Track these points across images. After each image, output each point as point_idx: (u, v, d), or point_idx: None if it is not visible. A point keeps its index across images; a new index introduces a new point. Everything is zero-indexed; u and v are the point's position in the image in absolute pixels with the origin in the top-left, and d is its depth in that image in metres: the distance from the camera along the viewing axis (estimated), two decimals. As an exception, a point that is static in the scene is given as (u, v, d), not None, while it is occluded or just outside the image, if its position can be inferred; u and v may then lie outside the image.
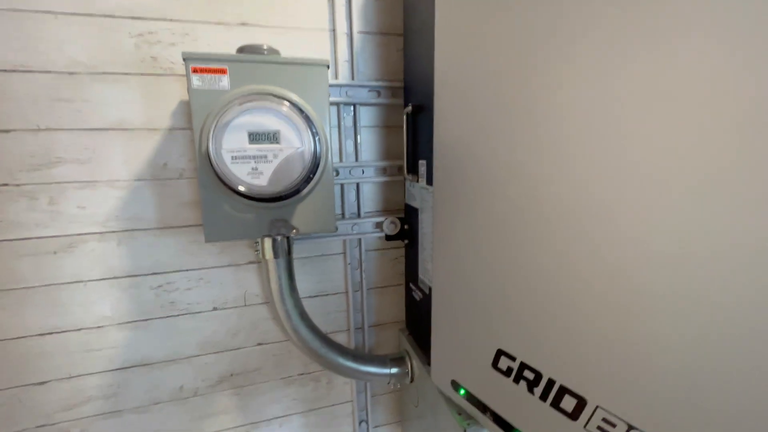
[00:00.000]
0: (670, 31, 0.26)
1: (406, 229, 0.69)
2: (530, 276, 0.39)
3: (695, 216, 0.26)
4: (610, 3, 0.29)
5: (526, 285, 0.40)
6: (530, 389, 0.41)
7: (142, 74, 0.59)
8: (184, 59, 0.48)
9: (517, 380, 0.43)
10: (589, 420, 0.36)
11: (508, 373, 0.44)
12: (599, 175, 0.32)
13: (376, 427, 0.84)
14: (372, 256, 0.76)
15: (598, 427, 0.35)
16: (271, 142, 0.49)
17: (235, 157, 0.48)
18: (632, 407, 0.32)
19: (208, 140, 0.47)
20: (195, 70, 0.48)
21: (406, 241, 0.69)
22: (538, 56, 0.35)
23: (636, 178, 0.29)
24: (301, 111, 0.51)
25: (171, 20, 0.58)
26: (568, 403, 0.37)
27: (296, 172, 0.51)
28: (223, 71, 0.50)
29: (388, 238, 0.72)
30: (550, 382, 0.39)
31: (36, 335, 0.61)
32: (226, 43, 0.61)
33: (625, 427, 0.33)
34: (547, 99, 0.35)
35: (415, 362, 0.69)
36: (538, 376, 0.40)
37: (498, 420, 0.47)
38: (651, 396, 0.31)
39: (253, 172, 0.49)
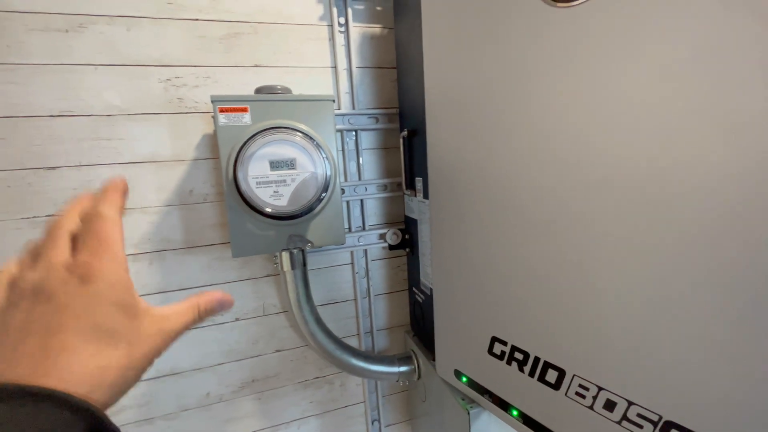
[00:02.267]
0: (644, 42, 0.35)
1: (407, 239, 0.76)
2: (514, 270, 0.47)
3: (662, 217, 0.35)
4: (584, 35, 0.38)
5: (511, 278, 0.48)
6: (520, 368, 0.48)
7: (169, 113, 0.67)
8: (212, 101, 0.57)
9: (509, 362, 0.50)
10: (568, 387, 0.43)
11: (501, 356, 0.51)
12: (565, 178, 0.40)
13: (387, 425, 0.89)
14: (377, 265, 0.83)
15: (576, 393, 0.42)
16: (289, 168, 0.57)
17: (259, 183, 0.56)
18: (601, 373, 0.40)
19: (236, 169, 0.55)
20: (222, 110, 0.57)
21: (408, 250, 0.77)
22: (512, 87, 0.44)
23: (602, 183, 0.38)
24: (312, 140, 0.59)
25: (195, 66, 0.67)
26: (551, 375, 0.45)
27: (311, 193, 0.59)
28: (245, 110, 0.58)
29: (391, 247, 0.80)
30: (536, 360, 0.46)
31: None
32: (244, 83, 0.69)
33: (596, 389, 0.40)
34: (518, 124, 0.44)
35: (421, 360, 0.76)
36: (526, 356, 0.47)
37: (496, 400, 0.54)
38: (614, 362, 0.38)
39: (275, 195, 0.57)
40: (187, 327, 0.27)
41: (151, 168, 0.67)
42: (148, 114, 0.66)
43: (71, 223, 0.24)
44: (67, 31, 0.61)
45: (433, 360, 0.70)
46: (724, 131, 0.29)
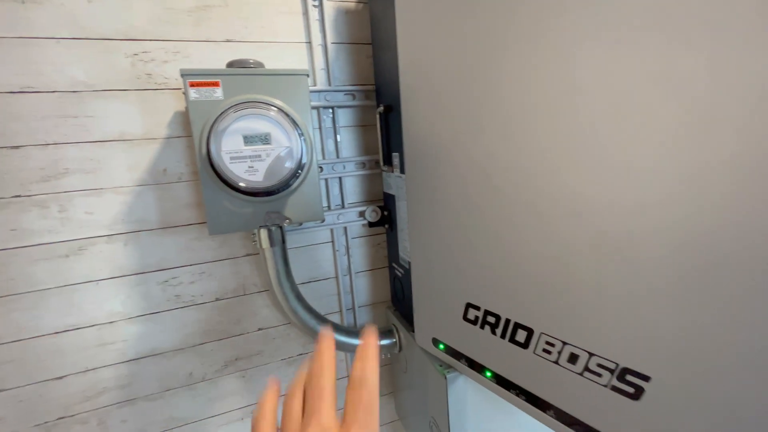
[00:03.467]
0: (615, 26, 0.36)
1: (386, 215, 0.77)
2: (485, 239, 0.49)
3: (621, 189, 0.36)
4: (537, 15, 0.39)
5: (482, 247, 0.49)
6: (493, 331, 0.51)
7: (138, 90, 0.65)
8: (182, 75, 0.55)
9: (482, 326, 0.52)
10: (536, 345, 0.45)
11: (475, 321, 0.53)
12: (532, 151, 0.41)
13: (371, 398, 0.92)
14: (357, 243, 0.84)
15: (543, 349, 0.44)
16: (264, 143, 0.57)
17: (233, 158, 0.56)
18: (565, 329, 0.42)
19: (208, 144, 0.54)
20: (192, 84, 0.56)
21: (387, 226, 0.78)
22: (484, 62, 0.45)
23: (560, 147, 0.39)
24: (286, 115, 0.59)
25: (163, 40, 0.65)
26: (521, 335, 0.47)
27: (286, 168, 0.59)
28: (216, 84, 0.57)
29: (371, 225, 0.81)
30: (507, 322, 0.48)
31: (53, 333, 0.66)
32: (215, 58, 0.68)
33: (561, 345, 0.42)
34: (489, 98, 0.45)
35: (402, 333, 0.78)
36: (498, 318, 0.50)
37: (471, 363, 0.56)
38: (576, 318, 0.40)
39: (250, 170, 0.56)
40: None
41: (122, 146, 0.66)
42: (116, 90, 0.64)
43: (332, 380, 0.28)
44: (23, 2, 0.58)
45: (412, 331, 0.73)
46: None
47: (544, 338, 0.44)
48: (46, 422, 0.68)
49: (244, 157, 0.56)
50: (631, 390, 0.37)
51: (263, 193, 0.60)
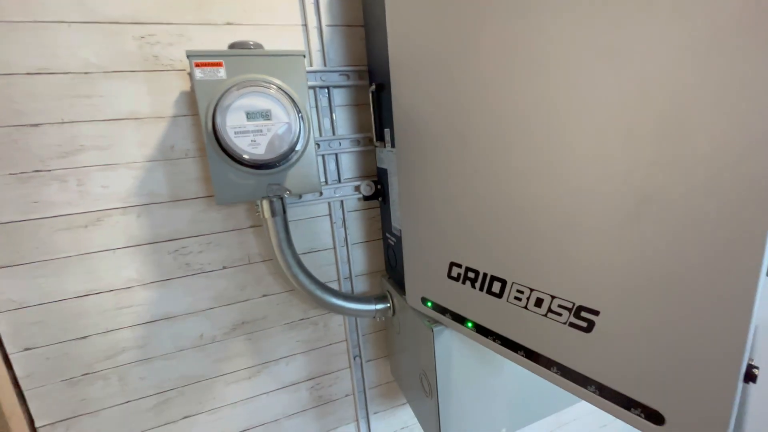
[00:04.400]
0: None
1: (380, 189, 0.83)
2: (465, 202, 0.54)
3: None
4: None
5: (463, 209, 0.55)
6: (473, 285, 0.57)
7: (146, 71, 0.70)
8: (188, 56, 0.60)
9: (464, 282, 0.58)
10: (509, 294, 0.51)
11: (458, 278, 0.59)
12: (501, 113, 0.47)
13: (367, 361, 0.99)
14: (353, 216, 0.90)
15: (515, 297, 0.51)
16: (264, 119, 0.62)
17: (237, 132, 0.61)
18: (532, 277, 0.48)
19: (214, 120, 0.59)
20: (198, 65, 0.60)
21: (380, 199, 0.84)
22: (461, 37, 0.50)
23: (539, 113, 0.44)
24: (285, 93, 0.64)
25: (168, 23, 0.69)
26: (496, 286, 0.53)
27: (286, 142, 0.64)
28: (219, 64, 0.62)
29: (366, 198, 0.86)
30: (484, 276, 0.55)
31: (75, 297, 0.72)
32: (216, 40, 0.72)
33: (529, 291, 0.49)
34: (467, 73, 0.50)
35: (395, 298, 0.84)
36: (476, 273, 0.56)
37: (455, 317, 0.62)
38: (541, 266, 0.47)
39: (252, 144, 0.62)
40: None
41: (132, 125, 0.70)
42: (125, 72, 0.69)
43: None
44: (36, -13, 0.62)
45: (405, 295, 0.79)
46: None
47: (516, 287, 0.50)
48: (72, 377, 0.75)
49: (247, 132, 0.61)
50: (584, 324, 0.43)
51: (265, 165, 0.65)
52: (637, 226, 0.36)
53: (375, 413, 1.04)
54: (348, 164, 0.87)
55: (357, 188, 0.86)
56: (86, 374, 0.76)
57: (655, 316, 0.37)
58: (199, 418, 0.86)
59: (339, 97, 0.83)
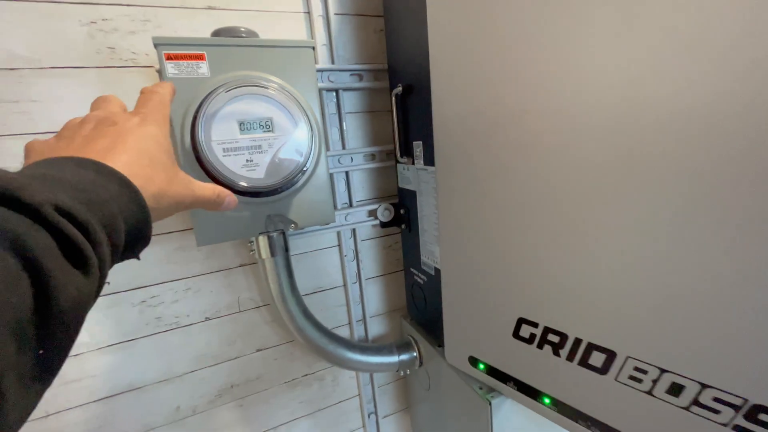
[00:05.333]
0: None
1: (402, 214, 0.68)
2: (547, 240, 0.40)
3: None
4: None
5: (543, 250, 0.41)
6: (555, 352, 0.42)
7: (99, 67, 0.52)
8: (155, 45, 0.43)
9: (540, 346, 0.44)
10: (619, 372, 0.37)
11: (530, 340, 0.45)
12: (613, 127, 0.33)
13: (384, 417, 0.83)
14: (367, 246, 0.74)
15: (630, 377, 0.36)
16: (265, 131, 0.46)
17: (227, 149, 0.44)
18: (666, 354, 0.34)
19: (194, 133, 0.43)
20: (169, 57, 0.44)
21: (403, 226, 0.68)
22: (537, 20, 0.35)
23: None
24: (291, 96, 0.48)
25: (128, 5, 0.52)
26: (596, 358, 0.39)
27: (293, 162, 0.48)
28: (201, 57, 0.45)
29: (383, 225, 0.71)
30: (576, 342, 0.40)
31: (0, 374, 0.53)
32: (193, 30, 0.56)
33: (658, 372, 0.34)
34: (554, 66, 0.35)
35: (422, 346, 0.69)
36: (563, 337, 0.41)
37: (523, 387, 0.48)
38: (684, 341, 0.32)
39: (248, 165, 0.45)
40: (205, 202, 0.31)
41: (80, 139, 0.52)
42: (69, 68, 0.51)
43: (120, 100, 0.30)
44: (-67, -52, 0.44)
45: (439, 346, 0.64)
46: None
47: (632, 363, 0.36)
48: (-4, 482, 0.55)
49: (241, 149, 0.45)
50: (765, 432, 0.29)
51: (264, 192, 0.49)
52: None
53: (393, 478, 0.87)
54: (360, 183, 0.71)
55: (372, 213, 0.70)
56: (18, 475, 0.56)
57: None
58: None
59: (349, 102, 0.67)
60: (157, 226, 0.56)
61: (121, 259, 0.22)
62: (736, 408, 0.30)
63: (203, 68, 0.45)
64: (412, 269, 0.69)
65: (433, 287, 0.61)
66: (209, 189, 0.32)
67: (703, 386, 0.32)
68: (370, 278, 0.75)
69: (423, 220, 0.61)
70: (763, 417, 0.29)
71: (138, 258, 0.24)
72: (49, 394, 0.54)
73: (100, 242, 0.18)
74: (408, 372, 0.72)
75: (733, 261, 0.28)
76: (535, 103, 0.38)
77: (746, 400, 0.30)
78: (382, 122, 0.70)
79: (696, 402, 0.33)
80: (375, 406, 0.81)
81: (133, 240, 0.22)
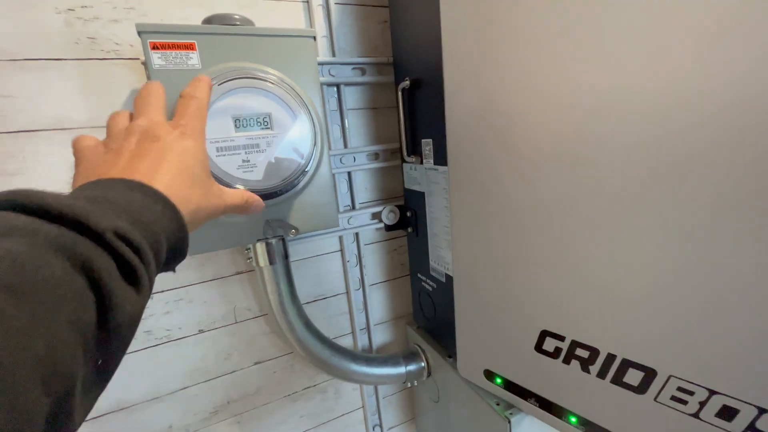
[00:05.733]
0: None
1: (409, 217, 0.64)
2: (574, 246, 0.36)
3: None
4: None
5: (569, 257, 0.37)
6: (584, 368, 0.39)
7: (78, 59, 0.48)
8: (139, 33, 0.39)
9: (567, 361, 0.40)
10: (660, 392, 0.34)
11: (555, 354, 0.41)
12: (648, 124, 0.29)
13: (389, 429, 0.79)
14: (370, 250, 0.70)
15: (672, 397, 0.33)
16: (262, 128, 0.42)
17: (221, 149, 0.40)
18: (713, 373, 0.30)
19: (184, 130, 0.38)
20: (155, 47, 0.39)
21: (410, 230, 0.64)
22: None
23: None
24: (291, 89, 0.44)
25: (110, -9, 0.48)
26: (632, 376, 0.35)
27: (294, 162, 0.44)
28: (191, 46, 0.41)
29: (388, 228, 0.67)
30: (610, 358, 0.36)
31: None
32: (182, 19, 0.51)
33: (706, 394, 0.31)
34: (588, 52, 0.32)
35: (430, 356, 0.65)
36: (594, 352, 0.38)
37: (545, 405, 0.44)
38: (732, 358, 0.29)
39: (245, 165, 0.41)
40: (234, 208, 0.33)
41: (60, 138, 0.48)
42: (46, 60, 0.46)
43: (161, 98, 0.31)
44: None
45: (449, 356, 0.60)
46: None
47: (675, 383, 0.33)
48: None
49: (236, 148, 0.41)
50: (837, 465, 0.26)
51: (262, 196, 0.44)
52: None
53: (398, 492, 0.84)
54: (363, 184, 0.67)
55: (376, 215, 0.66)
56: (-6, 505, 0.51)
57: None
58: None
59: (351, 98, 0.63)
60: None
61: (160, 272, 0.24)
62: (803, 437, 0.27)
63: (194, 59, 0.41)
64: (419, 275, 0.65)
65: (443, 295, 0.57)
66: (238, 196, 0.33)
67: (761, 411, 0.28)
68: (374, 284, 0.71)
69: (432, 224, 0.57)
70: (834, 447, 0.26)
71: (174, 271, 0.26)
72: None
73: (150, 263, 0.20)
74: (416, 383, 0.68)
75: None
76: (561, 97, 0.34)
77: (812, 430, 0.26)
78: (387, 119, 0.66)
79: (752, 428, 0.29)
80: (380, 418, 0.77)
81: (172, 256, 0.24)
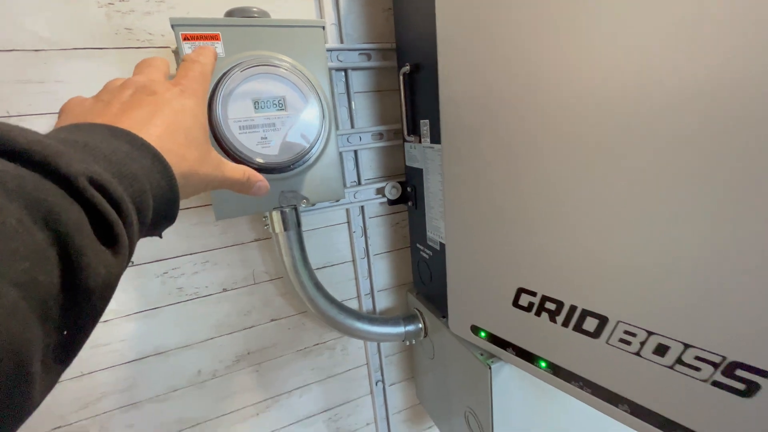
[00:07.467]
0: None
1: (410, 192, 0.70)
2: (544, 213, 0.42)
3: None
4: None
5: (540, 223, 0.43)
6: (552, 319, 0.45)
7: (118, 48, 0.54)
8: (173, 26, 0.45)
9: (538, 313, 0.46)
10: (611, 335, 0.40)
11: (529, 308, 0.47)
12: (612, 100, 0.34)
13: (391, 384, 0.88)
14: (375, 223, 0.77)
15: (620, 340, 0.39)
16: (278, 109, 0.48)
17: (243, 127, 0.47)
18: (652, 316, 0.36)
19: (212, 111, 0.45)
20: (186, 38, 0.46)
21: (410, 204, 0.71)
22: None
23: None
24: (303, 75, 0.50)
25: (143, -14, 0.54)
26: (590, 324, 0.41)
27: (305, 139, 0.50)
28: (216, 37, 0.47)
29: (391, 202, 0.73)
30: (572, 309, 0.43)
31: (38, 337, 0.58)
32: (206, 10, 0.57)
33: (645, 334, 0.37)
34: (557, 39, 0.37)
35: (427, 318, 0.72)
36: (559, 305, 0.44)
37: (520, 353, 0.51)
38: (673, 304, 0.35)
39: (263, 142, 0.48)
40: (233, 183, 0.31)
41: (102, 118, 0.55)
42: (90, 49, 0.53)
43: (167, 66, 0.29)
44: (-41, -68, 0.46)
45: (443, 317, 0.67)
46: None
47: (623, 327, 0.39)
48: (40, 434, 0.61)
49: (256, 126, 0.47)
50: (740, 386, 0.32)
51: (277, 169, 0.51)
52: None
53: (399, 441, 0.93)
54: (369, 162, 0.73)
55: (380, 191, 0.73)
56: (58, 428, 0.62)
57: None
58: (200, 465, 0.73)
59: (358, 81, 0.69)
60: (177, 202, 0.59)
61: (145, 236, 0.21)
62: (715, 365, 0.33)
63: (218, 48, 0.47)
64: (418, 245, 0.71)
65: (438, 261, 0.64)
66: (239, 171, 0.31)
67: (686, 346, 0.35)
68: (378, 254, 0.78)
69: (429, 197, 0.63)
70: (740, 373, 0.32)
71: (160, 236, 0.24)
72: (83, 355, 0.59)
73: (131, 222, 0.18)
74: (413, 342, 0.76)
75: (711, 227, 0.30)
76: (540, 82, 0.39)
77: (724, 358, 0.32)
78: (391, 101, 0.71)
79: (680, 361, 0.35)
80: (382, 375, 0.85)
81: (158, 218, 0.21)
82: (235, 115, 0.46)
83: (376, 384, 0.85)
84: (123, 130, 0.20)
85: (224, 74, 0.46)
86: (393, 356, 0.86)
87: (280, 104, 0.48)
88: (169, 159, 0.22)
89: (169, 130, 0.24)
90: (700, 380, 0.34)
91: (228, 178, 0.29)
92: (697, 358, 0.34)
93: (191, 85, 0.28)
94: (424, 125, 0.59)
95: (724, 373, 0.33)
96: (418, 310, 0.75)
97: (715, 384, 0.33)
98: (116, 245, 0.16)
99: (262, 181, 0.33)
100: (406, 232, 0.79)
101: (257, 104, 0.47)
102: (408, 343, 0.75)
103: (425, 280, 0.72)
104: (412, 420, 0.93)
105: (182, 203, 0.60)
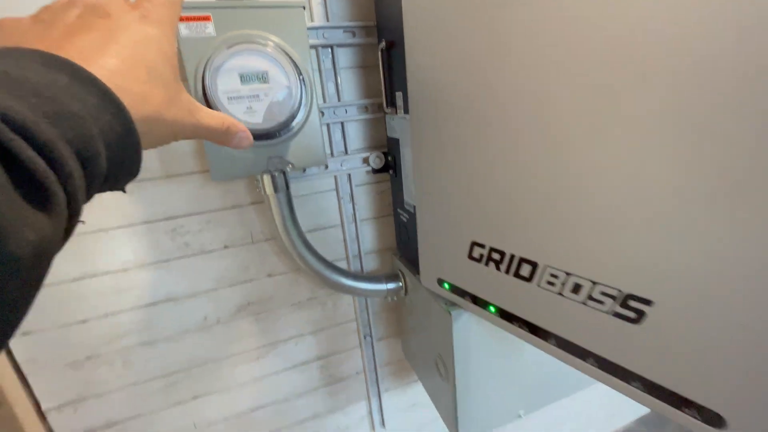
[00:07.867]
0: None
1: (391, 161, 0.76)
2: (489, 176, 0.48)
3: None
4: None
5: (486, 184, 0.49)
6: (497, 267, 0.51)
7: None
8: (170, 8, 0.52)
9: (487, 263, 0.53)
10: (540, 278, 0.46)
11: (480, 259, 0.54)
12: (534, 73, 0.39)
13: (379, 339, 0.96)
14: (362, 191, 0.83)
15: (548, 282, 0.45)
16: (261, 82, 0.55)
17: (231, 98, 0.53)
18: (569, 260, 0.42)
19: (204, 83, 0.52)
20: (182, 19, 0.52)
21: (391, 172, 0.77)
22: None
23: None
24: (283, 51, 0.56)
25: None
26: (525, 269, 0.48)
27: (286, 108, 0.57)
28: (207, 18, 0.54)
29: (375, 171, 0.80)
30: (511, 257, 0.49)
31: (71, 281, 0.68)
32: (203, -8, 0.63)
33: (564, 276, 0.43)
34: (501, 21, 0.41)
35: (408, 277, 0.79)
36: (502, 254, 0.50)
37: (475, 300, 0.57)
38: (580, 249, 0.41)
39: (248, 111, 0.55)
40: (210, 132, 0.26)
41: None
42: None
43: None
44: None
45: (417, 274, 0.74)
46: None
47: (549, 271, 0.45)
48: (75, 361, 0.73)
49: (242, 97, 0.54)
50: (632, 315, 0.38)
51: (264, 135, 0.58)
52: (718, 206, 0.30)
53: (386, 390, 1.03)
54: (355, 134, 0.79)
55: (365, 160, 0.79)
56: (90, 357, 0.74)
57: (728, 310, 0.31)
58: (208, 398, 0.84)
59: (344, 57, 0.74)
60: (179, 167, 0.68)
61: (102, 191, 0.18)
62: (614, 298, 0.39)
63: (210, 28, 0.54)
64: (398, 209, 0.78)
65: (413, 223, 0.70)
66: (217, 118, 0.26)
67: (594, 283, 0.40)
68: (365, 219, 0.86)
69: (405, 165, 0.69)
70: (631, 303, 0.38)
71: (124, 191, 0.21)
72: (106, 299, 0.69)
73: (71, 173, 0.14)
74: (395, 298, 0.83)
75: (603, 175, 0.36)
76: (488, 58, 0.44)
77: (620, 291, 0.38)
78: (374, 76, 0.77)
79: (590, 297, 0.41)
80: (370, 329, 0.94)
81: (116, 170, 0.18)
82: (224, 87, 0.53)
83: (365, 338, 0.94)
84: (62, 59, 0.16)
85: (214, 51, 0.52)
86: (381, 314, 0.95)
87: (263, 77, 0.55)
88: (125, 99, 0.18)
89: (126, 63, 0.19)
90: (605, 312, 0.40)
91: (203, 125, 0.25)
92: (603, 293, 0.40)
93: (157, 10, 0.22)
94: (399, 98, 0.64)
95: (622, 305, 0.39)
96: (401, 271, 0.82)
97: (616, 315, 0.40)
98: (49, 203, 0.13)
99: (244, 131, 0.29)
100: (390, 200, 0.86)
101: (243, 78, 0.54)
102: (390, 299, 0.83)
103: (404, 242, 0.79)
104: (398, 374, 1.02)
105: (186, 168, 0.68)
